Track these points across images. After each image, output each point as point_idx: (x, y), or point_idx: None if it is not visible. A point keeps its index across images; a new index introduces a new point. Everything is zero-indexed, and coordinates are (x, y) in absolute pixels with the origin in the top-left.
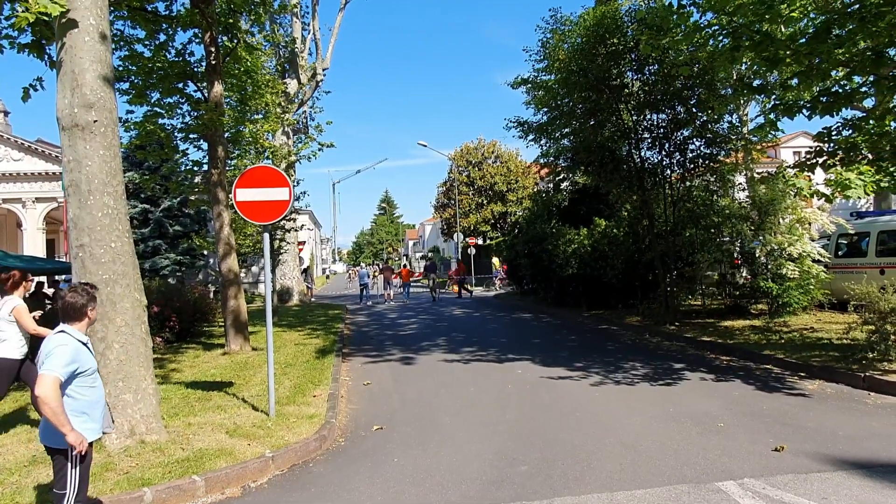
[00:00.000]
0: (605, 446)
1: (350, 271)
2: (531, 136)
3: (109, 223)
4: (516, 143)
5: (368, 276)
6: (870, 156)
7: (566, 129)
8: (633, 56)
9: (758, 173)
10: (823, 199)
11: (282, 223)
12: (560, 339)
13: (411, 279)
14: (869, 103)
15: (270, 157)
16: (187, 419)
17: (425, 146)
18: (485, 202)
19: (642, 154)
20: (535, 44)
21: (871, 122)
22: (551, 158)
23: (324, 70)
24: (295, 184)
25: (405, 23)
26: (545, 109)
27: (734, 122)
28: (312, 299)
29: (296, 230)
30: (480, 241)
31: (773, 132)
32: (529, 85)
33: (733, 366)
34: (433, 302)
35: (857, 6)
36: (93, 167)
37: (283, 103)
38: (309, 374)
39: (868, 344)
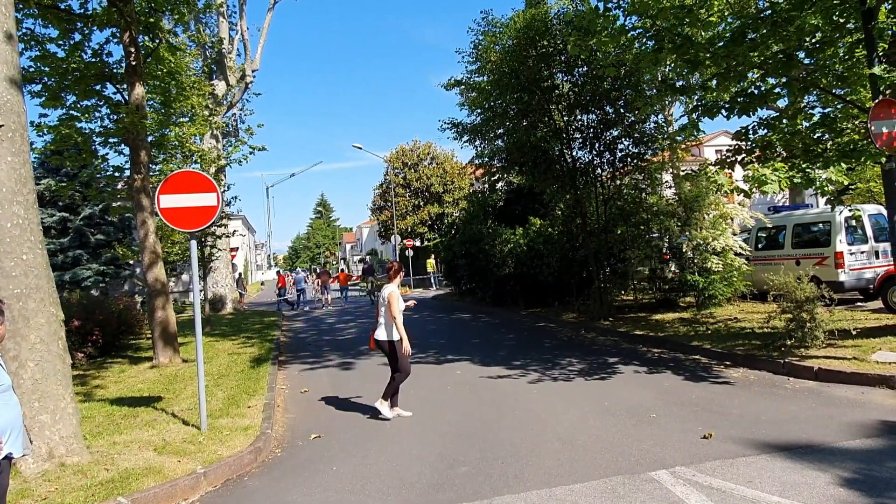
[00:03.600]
0: (543, 443)
1: (286, 276)
2: (466, 137)
3: (20, 234)
4: (452, 145)
5: (304, 281)
6: (784, 153)
7: (500, 130)
8: (562, 58)
9: (683, 171)
10: (742, 194)
11: (212, 229)
12: (498, 339)
13: (349, 283)
14: (783, 103)
15: (199, 161)
16: (112, 438)
17: (360, 148)
18: (421, 204)
19: (574, 154)
20: (468, 45)
21: (784, 121)
22: (486, 159)
23: (253, 71)
24: (225, 188)
25: (337, 24)
26: (479, 110)
27: (660, 121)
28: (245, 307)
29: (227, 236)
30: (418, 243)
31: (695, 132)
32: (463, 86)
33: (664, 357)
34: (372, 305)
35: (770, 11)
36: (0, 175)
37: (210, 106)
38: (243, 385)
39: (786, 332)
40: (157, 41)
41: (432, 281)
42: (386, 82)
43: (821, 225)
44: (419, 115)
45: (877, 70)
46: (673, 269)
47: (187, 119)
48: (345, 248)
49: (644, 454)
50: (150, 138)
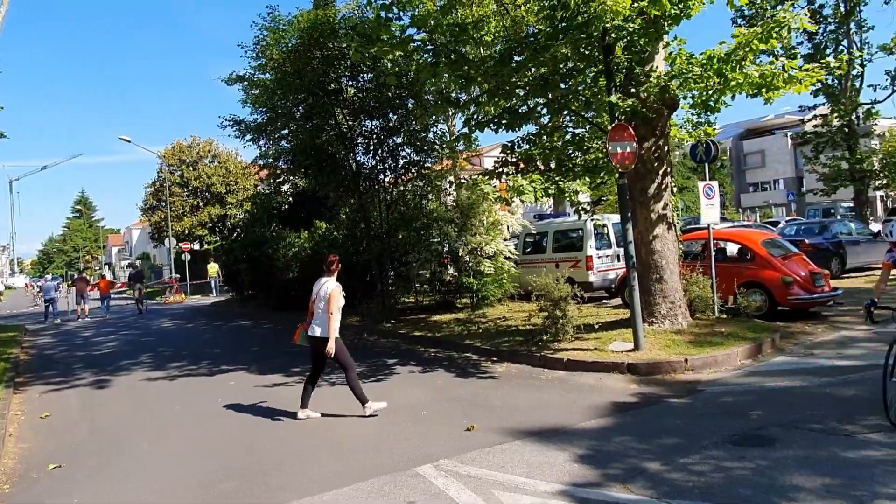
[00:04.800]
0: (313, 449)
1: (35, 285)
2: (249, 136)
3: None
4: (235, 143)
5: (55, 290)
6: (542, 166)
7: (285, 131)
8: (347, 62)
9: (464, 179)
10: (504, 202)
11: None
12: (280, 346)
13: (112, 290)
14: (547, 121)
15: None
16: None
17: (129, 141)
18: (201, 204)
19: (358, 158)
20: (252, 40)
21: (543, 137)
22: (271, 160)
23: None
24: None
25: (106, 2)
26: (263, 109)
27: (443, 131)
28: None
29: None
30: (197, 246)
31: (467, 143)
32: (245, 83)
33: (439, 357)
34: (139, 315)
35: (532, 39)
36: None
37: None
38: None
39: (543, 328)
40: None
41: (212, 287)
42: (163, 71)
43: (575, 232)
44: (200, 110)
45: (613, 98)
46: (451, 272)
47: None
48: (110, 251)
49: (412, 451)
50: None
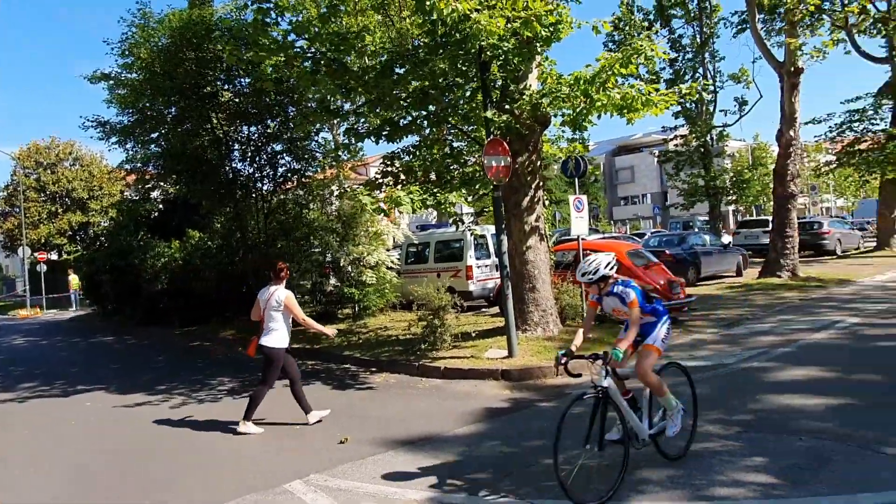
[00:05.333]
0: (181, 469)
1: None
2: (115, 139)
3: None
4: (99, 146)
5: None
6: (421, 178)
7: (155, 134)
8: (223, 65)
9: (347, 189)
10: (383, 213)
11: None
12: (145, 362)
13: None
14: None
15: None
16: None
17: None
18: (60, 211)
19: (234, 165)
20: (120, 36)
21: (424, 149)
22: (139, 164)
23: None
24: None
25: None
26: (130, 110)
27: (326, 140)
28: None
29: None
30: (55, 256)
31: (353, 153)
32: (111, 81)
33: (317, 369)
34: None
35: (412, 52)
36: None
37: None
38: None
39: (422, 337)
40: None
41: (73, 300)
42: (16, 64)
43: (456, 243)
44: (61, 109)
45: (489, 114)
46: (333, 282)
47: None
48: None
49: (283, 467)
50: None
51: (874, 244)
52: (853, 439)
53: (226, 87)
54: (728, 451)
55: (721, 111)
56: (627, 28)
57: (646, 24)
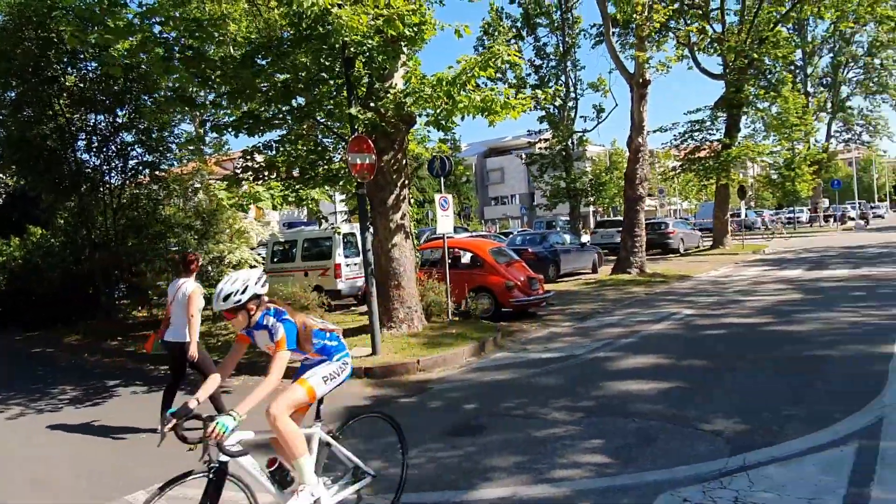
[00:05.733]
0: (11, 488)
1: None
2: None
3: None
4: None
5: None
6: (284, 174)
7: None
8: (66, 47)
9: (206, 185)
10: (240, 209)
11: None
12: None
13: None
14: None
15: None
16: None
17: None
18: None
19: (79, 156)
20: None
21: (286, 145)
22: None
23: None
24: None
25: None
26: None
27: (186, 132)
28: None
29: None
30: None
31: (216, 147)
32: None
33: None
34: None
35: (274, 43)
36: None
37: None
38: None
39: None
40: None
41: None
42: None
43: (325, 241)
44: None
45: (353, 110)
46: None
47: None
48: None
49: (124, 478)
50: None
51: (710, 243)
52: (677, 419)
53: (70, 70)
54: (570, 436)
55: (581, 117)
56: (497, 34)
57: (514, 30)
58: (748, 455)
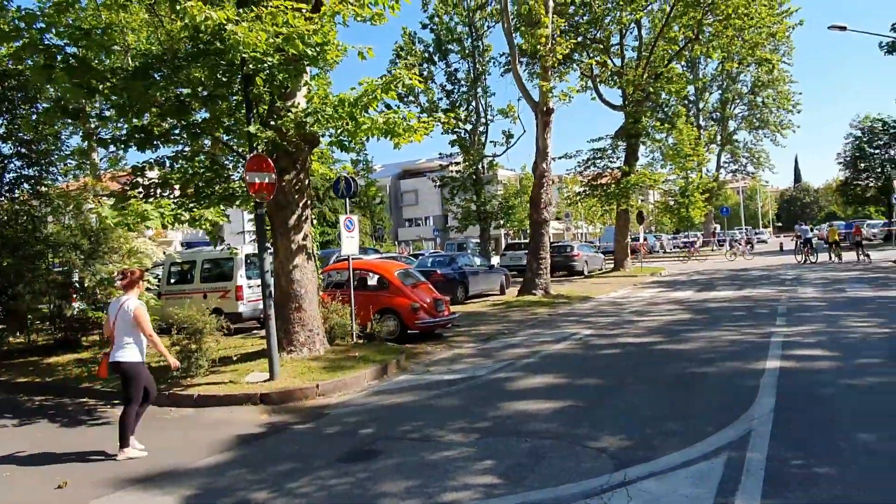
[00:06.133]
0: None
1: None
2: None
3: None
4: None
5: None
6: (177, 192)
7: None
8: None
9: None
10: (126, 227)
11: None
12: None
13: None
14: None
15: None
16: None
17: None
18: None
19: None
20: None
21: (182, 161)
22: None
23: None
24: None
25: None
26: None
27: (79, 145)
28: None
29: None
30: None
31: (112, 162)
32: None
33: (46, 405)
34: None
35: (168, 56)
36: None
37: None
38: None
39: None
40: None
41: None
42: None
43: (226, 261)
44: None
45: (252, 128)
46: (79, 305)
47: None
48: None
49: None
50: None
51: (612, 265)
52: (568, 437)
53: None
54: (463, 458)
55: (492, 142)
56: (410, 58)
57: (426, 55)
58: (629, 470)
